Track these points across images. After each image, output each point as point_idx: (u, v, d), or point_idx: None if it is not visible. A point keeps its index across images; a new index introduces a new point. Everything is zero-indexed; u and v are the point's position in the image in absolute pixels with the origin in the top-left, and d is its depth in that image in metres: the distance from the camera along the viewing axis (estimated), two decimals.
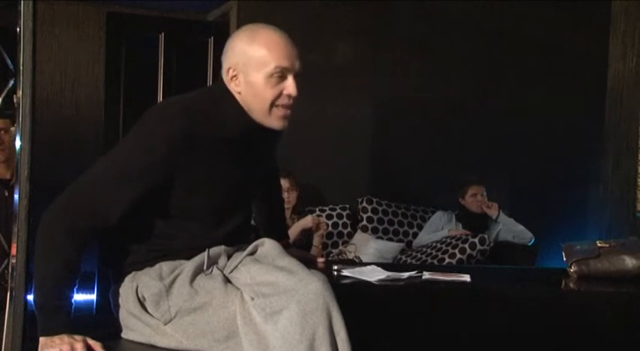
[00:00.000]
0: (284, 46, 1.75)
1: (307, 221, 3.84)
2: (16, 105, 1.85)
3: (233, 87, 1.79)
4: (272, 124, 1.79)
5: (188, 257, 1.77)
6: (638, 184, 4.82)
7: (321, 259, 2.46)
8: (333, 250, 4.25)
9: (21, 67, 1.83)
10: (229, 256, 1.81)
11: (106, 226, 1.71)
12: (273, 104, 1.76)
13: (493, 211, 4.48)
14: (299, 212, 4.02)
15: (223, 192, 1.81)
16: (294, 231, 3.68)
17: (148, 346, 1.73)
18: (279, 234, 2.28)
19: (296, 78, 1.77)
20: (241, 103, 1.78)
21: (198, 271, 1.74)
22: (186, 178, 1.74)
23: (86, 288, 4.34)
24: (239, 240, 1.87)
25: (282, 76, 1.75)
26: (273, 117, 1.78)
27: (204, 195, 1.78)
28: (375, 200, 4.68)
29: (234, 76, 1.77)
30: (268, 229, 2.32)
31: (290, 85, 1.75)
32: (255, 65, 1.74)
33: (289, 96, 1.76)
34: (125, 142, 1.76)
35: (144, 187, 1.71)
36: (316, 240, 3.86)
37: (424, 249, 4.25)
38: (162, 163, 1.70)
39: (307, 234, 3.88)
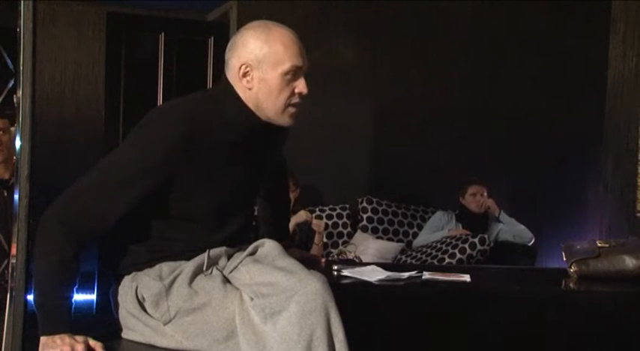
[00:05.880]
0: (298, 45, 1.78)
1: (301, 216, 3.82)
2: (16, 105, 1.84)
3: (244, 84, 1.77)
4: (283, 121, 1.80)
5: (189, 259, 1.77)
6: (638, 184, 4.82)
7: (322, 259, 2.46)
8: (333, 250, 4.25)
9: (21, 67, 1.82)
10: (229, 257, 1.81)
11: (104, 227, 1.72)
12: (286, 103, 1.77)
13: (492, 208, 4.48)
14: (296, 212, 4.01)
15: (224, 195, 1.81)
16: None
17: (147, 346, 1.73)
18: (281, 234, 2.28)
19: (305, 77, 1.79)
20: (248, 101, 1.78)
21: (197, 271, 1.74)
22: (185, 181, 1.73)
23: (86, 288, 4.34)
24: (240, 241, 1.87)
25: (295, 74, 1.77)
26: (286, 115, 1.79)
27: (204, 198, 1.77)
28: (375, 200, 4.68)
29: (247, 72, 1.76)
30: (271, 229, 2.31)
31: (302, 84, 1.78)
32: (271, 62, 1.75)
33: (301, 94, 1.78)
34: (125, 144, 1.76)
35: (142, 190, 1.71)
36: (317, 238, 3.86)
37: (424, 249, 4.25)
38: (160, 166, 1.70)
39: (306, 231, 3.87)
